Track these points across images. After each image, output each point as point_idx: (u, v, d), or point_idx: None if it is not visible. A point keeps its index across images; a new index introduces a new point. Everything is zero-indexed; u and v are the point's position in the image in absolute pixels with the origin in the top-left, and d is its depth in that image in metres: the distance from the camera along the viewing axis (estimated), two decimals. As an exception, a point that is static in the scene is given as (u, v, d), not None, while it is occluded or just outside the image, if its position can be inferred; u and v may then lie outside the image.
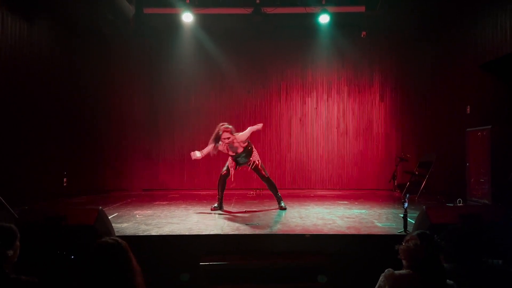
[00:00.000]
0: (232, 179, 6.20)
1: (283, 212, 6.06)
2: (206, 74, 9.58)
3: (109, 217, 4.64)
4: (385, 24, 8.95)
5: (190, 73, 9.52)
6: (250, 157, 6.17)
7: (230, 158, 6.17)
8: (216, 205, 6.18)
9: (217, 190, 6.26)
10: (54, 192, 7.61)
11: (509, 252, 3.39)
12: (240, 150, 6.06)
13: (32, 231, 3.73)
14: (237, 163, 6.18)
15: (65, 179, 7.96)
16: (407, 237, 2.51)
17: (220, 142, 5.91)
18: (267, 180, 6.26)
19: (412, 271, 2.39)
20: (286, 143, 9.66)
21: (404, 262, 2.48)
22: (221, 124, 6.03)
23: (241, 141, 6.00)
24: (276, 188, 6.35)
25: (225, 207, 6.33)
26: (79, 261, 3.69)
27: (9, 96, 6.57)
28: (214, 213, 5.98)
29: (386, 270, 2.43)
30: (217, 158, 9.47)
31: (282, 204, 6.26)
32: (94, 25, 8.48)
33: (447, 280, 2.39)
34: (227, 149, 6.06)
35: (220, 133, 5.86)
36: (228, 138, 5.85)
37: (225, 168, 6.24)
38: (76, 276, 3.44)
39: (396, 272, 2.40)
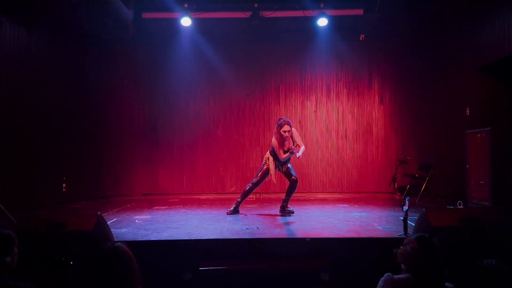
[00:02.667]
0: (275, 181, 6.32)
1: (283, 216, 6.05)
2: (205, 78, 9.58)
3: (109, 222, 4.62)
4: (384, 26, 8.96)
5: (189, 78, 9.53)
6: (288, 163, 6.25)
7: (271, 161, 6.14)
8: (232, 208, 6.26)
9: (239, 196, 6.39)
10: (53, 198, 7.59)
11: (506, 253, 3.38)
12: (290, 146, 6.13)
13: (32, 237, 3.72)
14: (281, 164, 6.17)
15: (64, 185, 7.95)
16: (405, 241, 2.49)
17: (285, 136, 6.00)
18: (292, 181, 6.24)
19: (411, 275, 2.36)
20: (285, 146, 9.64)
21: (402, 266, 2.46)
22: (279, 118, 6.17)
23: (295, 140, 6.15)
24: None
25: (224, 212, 6.33)
26: (79, 266, 3.68)
27: (8, 102, 6.58)
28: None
29: (385, 275, 2.39)
30: (217, 163, 9.52)
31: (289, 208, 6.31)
32: (93, 31, 8.49)
33: (446, 283, 2.37)
34: (284, 143, 6.07)
35: (281, 125, 5.98)
36: (288, 131, 5.97)
37: (255, 179, 6.26)
38: (76, 282, 3.43)
39: (395, 276, 2.37)
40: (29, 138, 7.04)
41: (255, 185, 6.25)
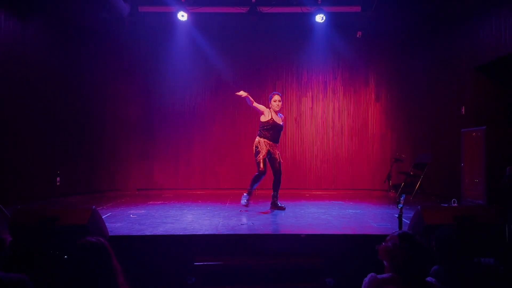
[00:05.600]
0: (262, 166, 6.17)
1: (278, 212, 6.05)
2: (202, 74, 9.54)
3: (103, 217, 4.60)
4: (381, 24, 8.95)
5: (185, 73, 9.48)
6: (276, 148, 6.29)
7: (262, 145, 6.11)
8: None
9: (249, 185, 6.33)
10: (47, 192, 7.54)
11: (501, 252, 3.40)
12: (282, 122, 6.38)
13: (25, 231, 3.69)
14: (273, 141, 6.21)
15: (58, 179, 7.89)
16: (387, 237, 2.45)
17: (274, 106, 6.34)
18: (280, 174, 6.24)
19: (394, 273, 2.32)
20: (281, 142, 9.53)
21: (385, 263, 2.42)
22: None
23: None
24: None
25: (219, 207, 6.32)
26: (65, 260, 3.66)
27: (1, 95, 6.51)
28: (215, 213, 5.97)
29: (369, 275, 2.34)
30: (213, 158, 9.49)
31: (279, 204, 6.30)
32: (89, 24, 8.42)
33: (428, 278, 2.34)
34: (275, 114, 6.35)
35: (273, 97, 6.41)
36: (279, 100, 6.39)
37: (260, 167, 6.14)
38: (62, 276, 3.42)
39: (379, 276, 2.33)
40: (23, 131, 6.98)
41: (262, 173, 6.13)
